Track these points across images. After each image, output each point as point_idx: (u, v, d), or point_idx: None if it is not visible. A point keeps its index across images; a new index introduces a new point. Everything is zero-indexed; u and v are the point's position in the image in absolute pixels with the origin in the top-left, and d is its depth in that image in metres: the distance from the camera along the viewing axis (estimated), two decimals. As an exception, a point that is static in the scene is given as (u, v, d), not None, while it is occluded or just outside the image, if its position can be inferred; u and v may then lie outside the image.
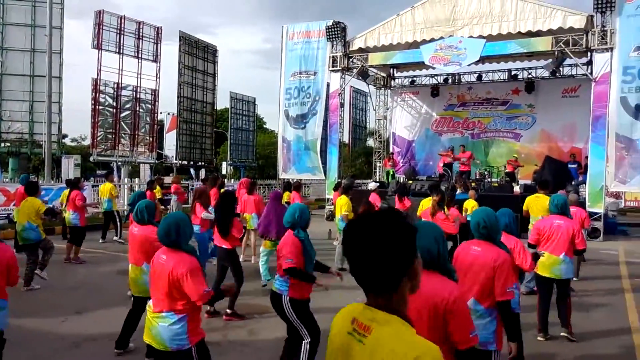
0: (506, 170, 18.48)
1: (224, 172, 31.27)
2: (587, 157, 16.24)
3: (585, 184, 15.38)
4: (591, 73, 15.41)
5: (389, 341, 1.29)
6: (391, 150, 23.74)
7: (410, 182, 17.82)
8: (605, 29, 14.81)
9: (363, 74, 19.91)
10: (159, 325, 3.40)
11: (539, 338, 5.63)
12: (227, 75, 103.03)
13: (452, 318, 2.31)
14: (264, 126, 52.99)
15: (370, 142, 30.27)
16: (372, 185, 11.84)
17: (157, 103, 23.19)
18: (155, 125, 24.13)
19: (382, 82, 24.04)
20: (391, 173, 20.81)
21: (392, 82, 24.36)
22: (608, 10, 14.70)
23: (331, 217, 15.69)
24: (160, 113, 29.94)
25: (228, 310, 6.24)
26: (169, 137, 37.18)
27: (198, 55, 25.03)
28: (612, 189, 15.80)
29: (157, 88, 22.90)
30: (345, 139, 26.93)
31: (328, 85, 19.77)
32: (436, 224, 2.67)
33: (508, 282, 3.16)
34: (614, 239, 14.57)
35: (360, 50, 19.12)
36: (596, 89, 14.96)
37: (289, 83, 20.79)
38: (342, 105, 20.45)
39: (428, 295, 2.29)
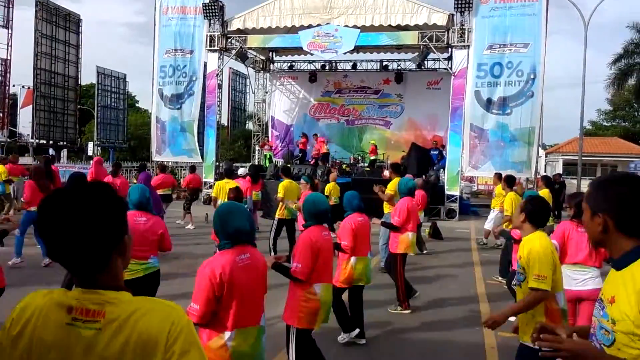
0: (371, 157, 19.43)
1: (90, 152, 28.88)
2: (444, 146, 17.85)
3: (444, 169, 16.91)
4: (451, 68, 16.89)
5: (146, 318, 1.22)
6: (270, 134, 23.85)
7: (289, 165, 18.08)
8: (463, 27, 16.28)
9: (242, 56, 19.62)
10: None
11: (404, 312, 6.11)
12: (95, 48, 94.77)
13: None
14: (137, 105, 49.82)
15: (250, 125, 30.06)
16: (241, 171, 11.76)
17: (8, 74, 20.64)
18: (7, 100, 21.49)
19: (261, 65, 23.93)
20: (268, 157, 20.93)
21: (272, 65, 24.37)
22: (466, 10, 16.16)
23: (208, 200, 15.39)
24: (14, 86, 26.66)
25: None
26: (24, 113, 33.32)
27: (58, 24, 22.71)
28: (466, 174, 17.60)
29: (9, 58, 20.37)
30: (224, 121, 26.44)
31: (205, 65, 19.17)
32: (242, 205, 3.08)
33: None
34: (467, 218, 16.27)
35: (239, 31, 18.81)
36: (455, 83, 16.44)
37: (164, 60, 19.76)
38: (220, 86, 19.99)
39: (259, 265, 2.74)
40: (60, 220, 1.22)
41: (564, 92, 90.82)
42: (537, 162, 17.20)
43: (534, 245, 3.04)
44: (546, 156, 32.80)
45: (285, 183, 8.72)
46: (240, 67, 23.92)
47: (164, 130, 19.90)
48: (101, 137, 27.52)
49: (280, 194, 8.61)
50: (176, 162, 21.82)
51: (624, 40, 32.33)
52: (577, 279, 4.20)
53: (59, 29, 22.67)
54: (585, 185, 21.57)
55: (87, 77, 32.51)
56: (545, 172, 28.28)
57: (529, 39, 15.84)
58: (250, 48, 19.76)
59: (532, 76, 15.85)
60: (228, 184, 8.56)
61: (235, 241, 2.65)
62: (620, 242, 1.55)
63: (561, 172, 27.17)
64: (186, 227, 11.83)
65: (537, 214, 3.19)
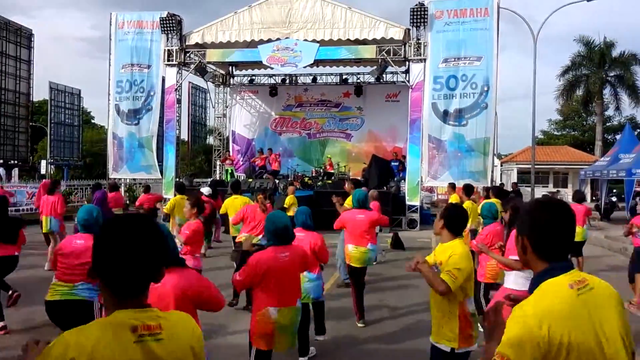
0: (327, 171, 19.52)
1: (42, 171, 27.85)
2: (404, 157, 18.17)
3: (405, 180, 17.19)
4: (409, 81, 17.28)
5: (182, 324, 1.52)
6: (231, 148, 23.67)
7: (250, 180, 17.99)
8: (419, 41, 16.72)
9: (201, 70, 19.46)
10: None
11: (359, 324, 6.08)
12: (48, 63, 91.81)
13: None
14: (93, 121, 48.56)
15: (211, 139, 29.73)
16: (205, 190, 11.42)
17: (-47, 91, 19.74)
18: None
19: (221, 80, 23.80)
20: (230, 171, 20.74)
21: (232, 79, 24.28)
22: (422, 25, 16.62)
23: (167, 218, 15.03)
24: (-41, 103, 25.47)
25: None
26: (-28, 132, 31.88)
27: (9, 39, 22.00)
28: (426, 184, 17.94)
29: (-46, 73, 19.49)
30: (184, 136, 26.09)
31: (163, 79, 18.91)
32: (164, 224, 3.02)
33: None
34: (428, 228, 16.48)
35: (198, 45, 18.69)
36: (412, 95, 16.82)
37: (120, 75, 19.37)
38: (179, 101, 19.72)
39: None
40: (129, 246, 1.42)
41: (517, 103, 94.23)
42: (492, 171, 17.71)
43: (455, 250, 3.20)
44: (501, 165, 33.87)
45: (229, 199, 8.39)
46: (200, 82, 23.71)
47: (121, 147, 19.44)
48: (54, 155, 26.61)
49: (222, 210, 8.45)
50: (134, 179, 21.32)
51: (571, 53, 33.87)
52: (520, 282, 4.31)
53: (9, 44, 21.93)
54: (538, 193, 22.41)
55: (41, 93, 31.41)
56: (501, 180, 29.18)
57: (481, 52, 16.40)
58: (209, 62, 19.64)
59: (485, 88, 16.40)
60: (183, 199, 8.24)
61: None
62: (535, 263, 1.65)
63: (516, 180, 28.10)
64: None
65: (453, 221, 3.30)
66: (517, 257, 4.40)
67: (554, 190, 30.78)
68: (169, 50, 18.61)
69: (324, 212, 8.82)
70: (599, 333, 1.49)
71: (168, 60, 18.63)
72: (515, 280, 4.36)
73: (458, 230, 3.33)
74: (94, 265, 1.44)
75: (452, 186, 10.56)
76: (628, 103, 33.12)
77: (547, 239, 1.61)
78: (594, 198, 25.85)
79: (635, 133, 27.67)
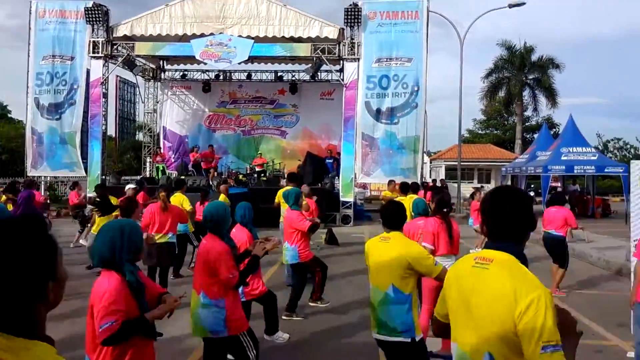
0: (256, 169, 19.44)
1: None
2: (339, 154, 18.46)
3: (339, 176, 17.47)
4: (343, 79, 17.55)
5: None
6: (162, 145, 22.94)
7: (183, 177, 17.54)
8: (353, 41, 17.03)
9: (129, 64, 18.72)
10: None
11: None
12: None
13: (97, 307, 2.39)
14: (9, 115, 45.20)
15: (140, 136, 28.61)
16: (130, 185, 11.08)
17: None
18: None
19: (151, 74, 22.99)
20: (161, 169, 20.09)
21: (162, 74, 23.52)
22: (355, 25, 16.94)
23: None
24: None
25: None
26: None
27: None
28: (359, 181, 18.32)
29: None
30: (111, 132, 24.94)
31: (88, 72, 17.98)
32: (125, 221, 2.80)
33: (226, 271, 3.38)
34: (361, 223, 16.91)
35: (126, 37, 17.93)
36: (346, 94, 17.10)
37: (40, 67, 18.21)
38: (105, 95, 18.83)
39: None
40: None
41: (445, 103, 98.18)
42: (422, 168, 18.40)
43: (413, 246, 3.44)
44: (430, 162, 35.24)
45: (172, 197, 8.34)
46: (129, 76, 22.76)
47: (41, 143, 18.30)
48: (-35, 151, 24.57)
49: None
50: (55, 177, 20.16)
51: (494, 57, 35.74)
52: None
53: None
54: (465, 189, 23.49)
55: (-53, 83, 28.75)
56: (430, 177, 30.34)
57: (412, 54, 16.97)
58: (138, 56, 18.94)
59: (415, 88, 16.99)
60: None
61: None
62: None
63: (444, 177, 29.36)
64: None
65: (387, 217, 3.45)
66: (429, 245, 4.74)
67: (479, 185, 32.43)
68: (94, 41, 17.71)
69: (259, 209, 8.78)
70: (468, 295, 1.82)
71: (93, 53, 17.73)
72: None
73: (390, 225, 3.45)
74: None
75: (390, 183, 11.08)
76: (545, 104, 35.51)
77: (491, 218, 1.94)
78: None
79: (552, 132, 29.76)
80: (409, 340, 3.26)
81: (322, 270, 6.53)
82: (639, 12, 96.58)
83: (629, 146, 40.34)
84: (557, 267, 7.62)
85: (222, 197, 9.82)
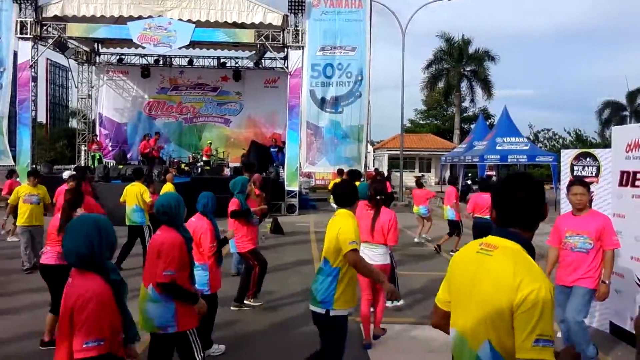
0: (204, 158, 19.07)
1: None
2: (283, 143, 18.38)
3: (284, 165, 17.41)
4: (287, 67, 17.42)
5: None
6: (98, 132, 21.93)
7: (121, 166, 16.91)
8: (298, 28, 16.91)
9: (61, 46, 17.69)
10: None
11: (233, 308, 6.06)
12: None
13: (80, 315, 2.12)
14: None
15: (74, 123, 27.20)
16: (66, 174, 10.53)
17: None
18: None
19: (85, 57, 21.84)
20: (97, 157, 19.22)
21: (97, 58, 22.42)
22: (299, 12, 16.82)
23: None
24: None
25: None
26: None
27: None
28: (304, 170, 18.32)
29: None
30: (42, 118, 23.56)
31: (15, 54, 16.83)
32: (97, 216, 2.43)
33: (168, 266, 3.20)
34: (306, 213, 16.97)
35: (57, 18, 16.89)
36: (291, 82, 17.01)
37: (-41, 47, 16.85)
38: (35, 79, 17.70)
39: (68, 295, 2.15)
40: None
41: (388, 93, 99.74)
42: (366, 157, 18.68)
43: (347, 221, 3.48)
44: (374, 152, 35.84)
45: (128, 187, 8.40)
46: (61, 59, 21.53)
47: (-36, 129, 16.99)
48: None
49: (122, 198, 8.31)
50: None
51: (434, 48, 36.71)
52: (367, 255, 4.73)
53: None
54: (407, 177, 24.07)
55: None
56: (374, 166, 30.86)
57: (356, 43, 17.10)
58: (70, 38, 17.94)
59: (359, 78, 17.16)
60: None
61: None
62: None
63: (387, 166, 29.96)
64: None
65: (337, 196, 3.64)
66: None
67: (420, 174, 33.36)
68: (22, 22, 16.58)
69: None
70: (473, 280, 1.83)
71: (21, 33, 16.61)
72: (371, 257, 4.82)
73: (342, 203, 3.62)
74: None
75: (340, 172, 11.28)
76: (481, 95, 36.98)
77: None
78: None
79: (487, 123, 31.03)
80: (323, 311, 3.41)
81: (260, 265, 6.19)
82: (565, 10, 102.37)
83: (557, 136, 42.79)
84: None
85: (168, 187, 9.51)
